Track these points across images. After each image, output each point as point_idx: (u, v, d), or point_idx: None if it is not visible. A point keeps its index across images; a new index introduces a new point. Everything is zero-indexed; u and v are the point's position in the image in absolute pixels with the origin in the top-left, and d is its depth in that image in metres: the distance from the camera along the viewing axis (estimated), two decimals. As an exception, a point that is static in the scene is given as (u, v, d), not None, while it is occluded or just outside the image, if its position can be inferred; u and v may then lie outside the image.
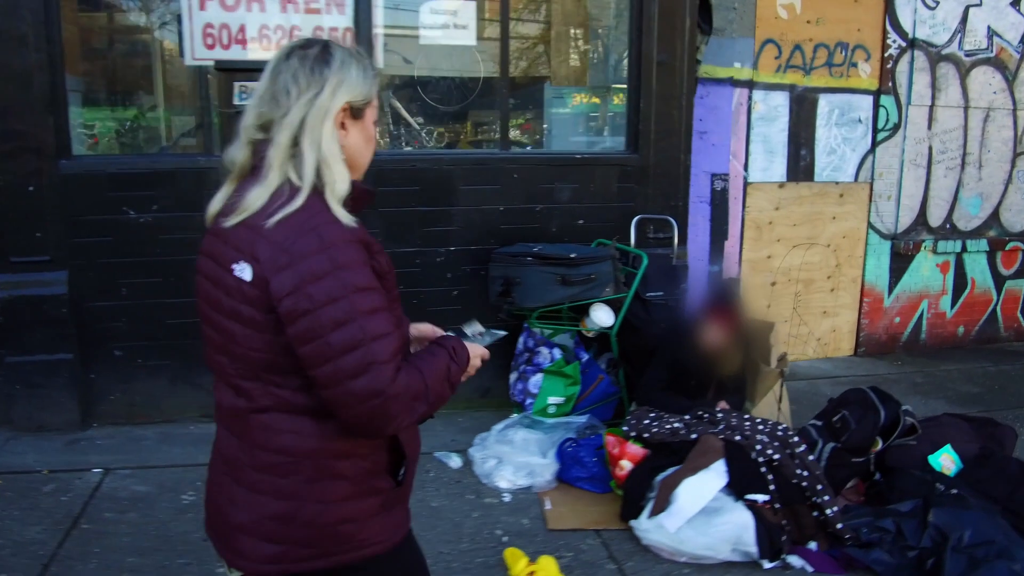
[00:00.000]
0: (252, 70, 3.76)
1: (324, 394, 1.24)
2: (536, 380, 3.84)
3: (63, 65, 3.68)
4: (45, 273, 3.75)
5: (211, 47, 3.86)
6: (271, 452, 1.31)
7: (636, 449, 3.26)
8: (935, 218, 5.66)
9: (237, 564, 1.37)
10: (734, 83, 4.81)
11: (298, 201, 1.23)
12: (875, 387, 3.65)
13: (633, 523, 3.02)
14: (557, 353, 3.90)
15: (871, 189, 5.44)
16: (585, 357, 3.95)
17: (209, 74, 3.84)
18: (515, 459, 3.52)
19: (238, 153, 1.34)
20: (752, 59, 4.90)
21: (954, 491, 3.18)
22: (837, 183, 5.35)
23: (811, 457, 3.19)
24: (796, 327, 5.49)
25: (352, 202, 1.30)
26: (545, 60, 4.60)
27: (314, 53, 1.31)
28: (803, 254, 5.38)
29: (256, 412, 1.32)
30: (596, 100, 4.79)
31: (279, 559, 1.32)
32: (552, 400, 3.81)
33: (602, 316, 3.80)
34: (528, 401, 3.85)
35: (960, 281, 5.79)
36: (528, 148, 4.48)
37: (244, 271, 1.24)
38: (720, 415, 3.26)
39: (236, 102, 3.74)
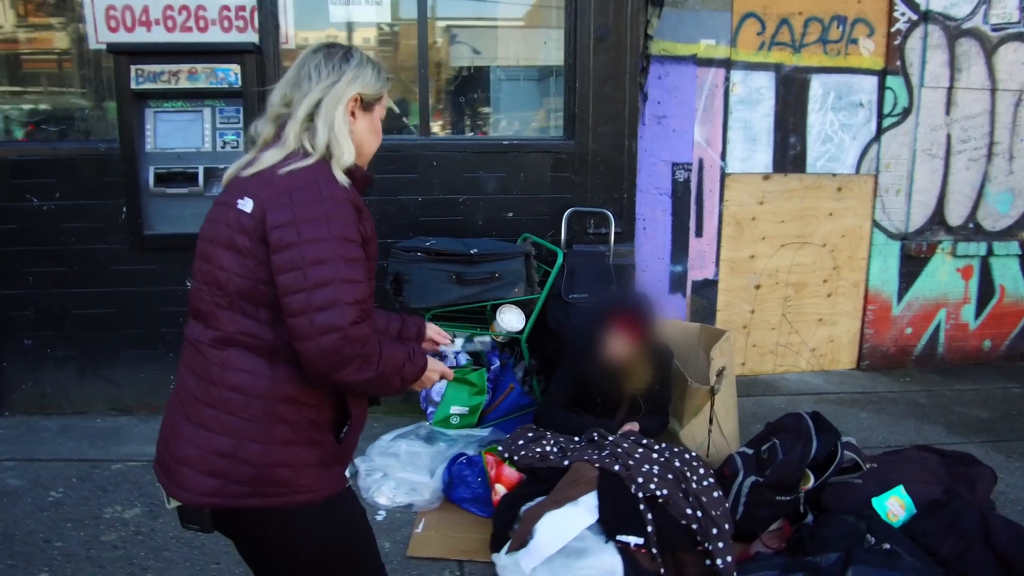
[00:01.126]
0: (150, 53, 3.61)
1: (290, 322, 1.38)
2: (439, 387, 3.52)
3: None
4: (-52, 260, 3.71)
5: (115, 30, 3.72)
6: (224, 388, 1.43)
7: (512, 473, 2.91)
8: (955, 216, 4.96)
9: (176, 495, 1.46)
10: (700, 62, 4.31)
11: (308, 161, 1.45)
12: (816, 413, 3.15)
13: (495, 557, 2.68)
14: (463, 358, 3.58)
15: (875, 182, 4.81)
16: (496, 363, 3.61)
17: (106, 59, 3.70)
18: (397, 474, 3.23)
19: (264, 126, 1.56)
20: (729, 35, 4.38)
21: (886, 546, 2.67)
22: (834, 175, 4.76)
23: (716, 494, 2.75)
24: (786, 335, 4.94)
25: (352, 183, 1.50)
26: (478, 38, 4.23)
27: (338, 52, 1.55)
28: (793, 254, 4.82)
29: (218, 345, 1.45)
30: (535, 81, 4.37)
31: (216, 493, 1.43)
32: (455, 410, 3.49)
33: (510, 319, 3.45)
34: (430, 410, 3.55)
35: (986, 289, 5.06)
36: (448, 134, 4.13)
37: (247, 204, 1.42)
38: (610, 439, 2.86)
39: (134, 86, 3.58)
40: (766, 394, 4.67)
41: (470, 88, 4.28)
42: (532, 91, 4.28)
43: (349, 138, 1.50)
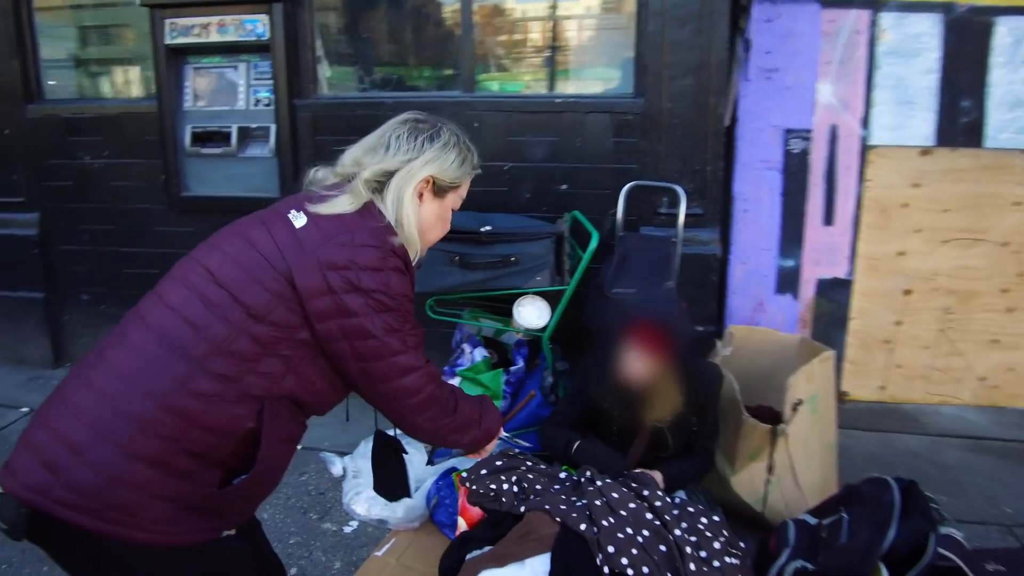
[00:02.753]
0: (182, 4, 3.42)
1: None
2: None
3: (30, 7, 3.67)
4: (20, 214, 3.85)
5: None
6: (115, 370, 1.22)
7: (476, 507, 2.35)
8: None
9: (3, 479, 1.23)
10: (831, 1, 3.31)
11: (383, 222, 1.35)
12: (912, 483, 2.23)
13: (432, 609, 2.17)
14: (479, 354, 3.04)
15: (1092, 162, 3.49)
16: (519, 364, 3.04)
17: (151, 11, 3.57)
18: (379, 483, 2.80)
19: (329, 177, 1.45)
20: (878, -37, 3.34)
21: None
22: (1027, 151, 3.52)
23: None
24: (944, 357, 3.81)
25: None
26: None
27: (426, 129, 1.44)
28: (960, 254, 3.67)
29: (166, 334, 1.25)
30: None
31: (41, 490, 1.17)
32: (464, 415, 2.97)
33: (529, 314, 2.86)
34: (440, 410, 3.06)
35: None
36: (494, 90, 3.53)
37: (298, 219, 1.32)
38: (598, 484, 2.20)
39: (167, 41, 3.42)
40: (904, 430, 3.63)
41: (521, 35, 3.63)
42: (595, 39, 3.55)
43: (414, 222, 1.39)
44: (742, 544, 2.16)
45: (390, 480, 1.92)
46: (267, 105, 3.47)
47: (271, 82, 3.43)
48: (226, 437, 1.24)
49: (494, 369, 3.00)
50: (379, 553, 2.58)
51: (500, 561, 2.01)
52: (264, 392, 1.27)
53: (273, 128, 3.46)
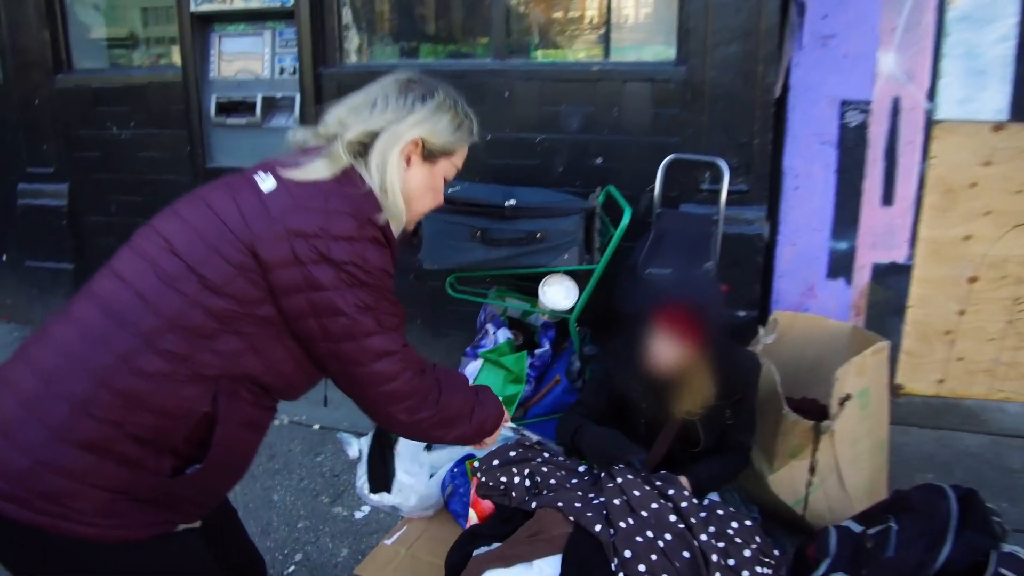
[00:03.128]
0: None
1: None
2: (473, 367, 2.89)
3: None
4: (51, 184, 3.85)
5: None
6: (62, 339, 1.12)
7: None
8: None
9: None
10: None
11: (363, 189, 1.22)
12: (972, 492, 2.00)
13: (438, 606, 2.04)
14: (502, 336, 2.89)
15: None
16: (545, 346, 2.87)
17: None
18: (395, 466, 2.68)
19: (309, 139, 1.33)
20: (952, -83, 3.02)
21: None
22: (1119, 127, 3.17)
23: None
24: (1011, 351, 3.50)
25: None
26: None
27: (418, 88, 1.32)
28: (1034, 239, 3.35)
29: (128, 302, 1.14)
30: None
31: None
32: (486, 399, 2.82)
33: (555, 294, 2.69)
34: (460, 394, 2.93)
35: None
36: (536, 56, 3.32)
37: (265, 181, 1.20)
38: (618, 480, 2.03)
39: (193, 8, 3.33)
40: (964, 428, 3.35)
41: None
42: (634, 2, 3.32)
43: (399, 192, 1.26)
44: (776, 552, 1.97)
45: (373, 468, 1.79)
46: (292, 74, 3.36)
47: (296, 50, 3.31)
48: (177, 421, 1.13)
49: (518, 351, 2.85)
50: (388, 542, 2.47)
51: (507, 562, 1.87)
52: (219, 372, 1.14)
53: (298, 97, 3.35)
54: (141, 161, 3.66)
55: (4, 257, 4.06)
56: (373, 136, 1.26)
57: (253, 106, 3.40)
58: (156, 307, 1.12)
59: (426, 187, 1.36)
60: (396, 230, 1.27)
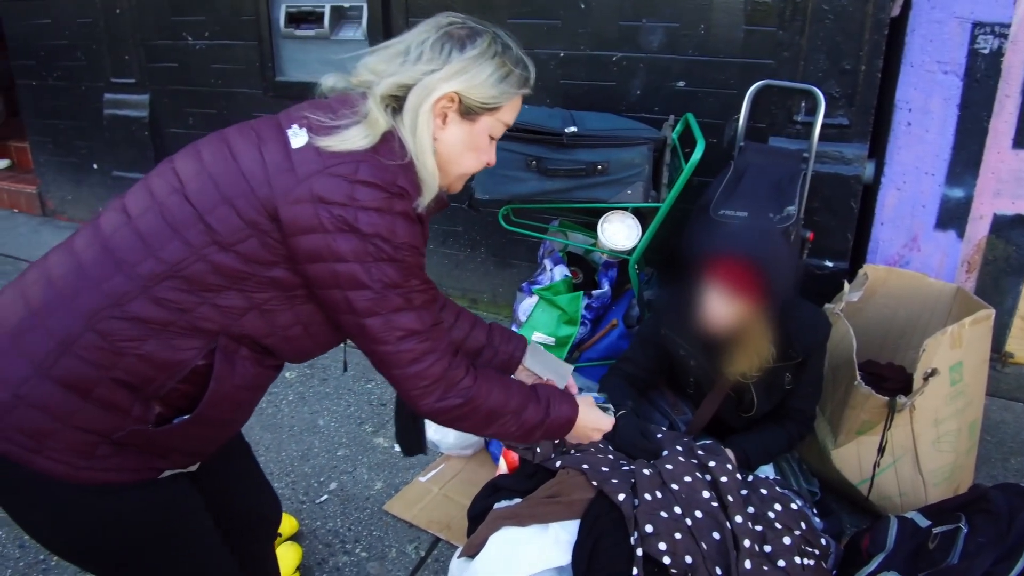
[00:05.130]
0: None
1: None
2: (528, 304, 2.75)
3: None
4: (133, 95, 3.90)
5: None
6: (65, 267, 1.08)
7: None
8: None
9: None
10: None
11: (400, 159, 1.11)
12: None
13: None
14: (559, 273, 2.72)
15: None
16: (604, 287, 2.69)
17: None
18: (438, 402, 2.63)
19: (339, 84, 1.22)
20: None
21: None
22: None
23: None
24: None
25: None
26: None
27: (460, 34, 1.16)
28: None
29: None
30: None
31: None
32: (538, 337, 2.69)
33: (615, 232, 2.48)
34: (513, 328, 2.81)
35: None
36: None
37: (297, 136, 1.09)
38: (674, 450, 1.86)
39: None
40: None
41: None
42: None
43: (429, 149, 1.13)
44: (823, 542, 1.78)
45: (405, 431, 1.70)
46: (358, -17, 3.18)
47: (362, -44, 3.12)
48: (166, 372, 1.07)
49: (576, 290, 2.68)
50: (423, 479, 2.44)
51: (523, 521, 1.78)
52: (218, 327, 1.07)
53: (365, 7, 3.18)
54: (215, 73, 3.63)
55: (95, 165, 4.20)
56: (406, 89, 1.13)
57: (322, 16, 3.27)
58: (158, 252, 1.05)
59: (465, 147, 1.21)
60: (427, 197, 1.14)
